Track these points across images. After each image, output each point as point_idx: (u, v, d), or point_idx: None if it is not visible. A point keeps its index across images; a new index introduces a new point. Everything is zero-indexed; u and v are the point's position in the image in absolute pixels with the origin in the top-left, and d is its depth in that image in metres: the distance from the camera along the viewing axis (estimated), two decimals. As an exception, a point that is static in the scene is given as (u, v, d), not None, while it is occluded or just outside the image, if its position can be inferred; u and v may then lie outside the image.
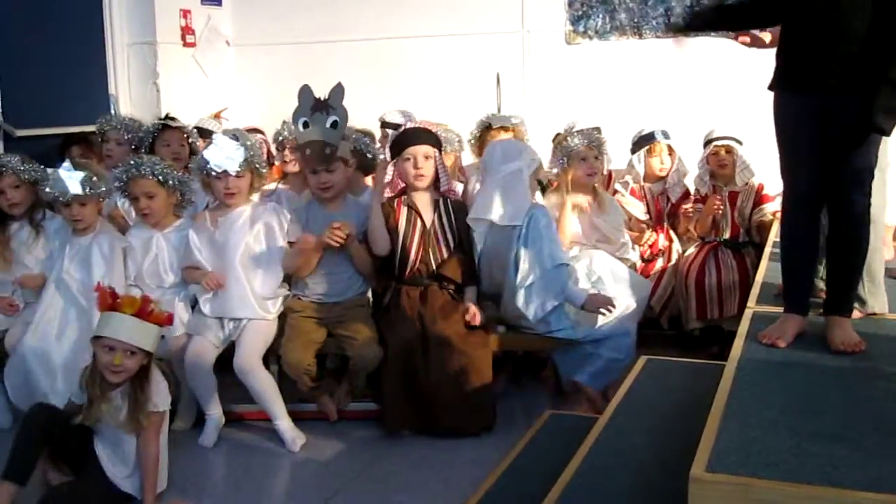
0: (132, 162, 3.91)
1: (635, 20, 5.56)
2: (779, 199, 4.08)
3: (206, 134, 4.86)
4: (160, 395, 3.17)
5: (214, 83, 6.09)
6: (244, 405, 3.86)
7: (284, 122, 4.42)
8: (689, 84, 5.40)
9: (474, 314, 3.80)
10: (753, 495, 1.93)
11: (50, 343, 3.70)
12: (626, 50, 5.59)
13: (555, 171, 4.33)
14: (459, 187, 4.35)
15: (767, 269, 3.73)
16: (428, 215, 3.91)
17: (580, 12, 5.63)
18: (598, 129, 4.55)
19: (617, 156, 4.74)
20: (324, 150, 3.78)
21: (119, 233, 4.01)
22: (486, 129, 4.78)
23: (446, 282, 3.89)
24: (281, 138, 4.50)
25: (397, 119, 5.06)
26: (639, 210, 4.76)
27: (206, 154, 3.84)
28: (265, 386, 3.70)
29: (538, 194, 4.19)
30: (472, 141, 4.75)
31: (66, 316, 3.77)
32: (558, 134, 4.87)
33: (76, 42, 5.42)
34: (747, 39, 3.36)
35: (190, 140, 4.67)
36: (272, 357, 3.84)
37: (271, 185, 4.40)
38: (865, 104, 2.68)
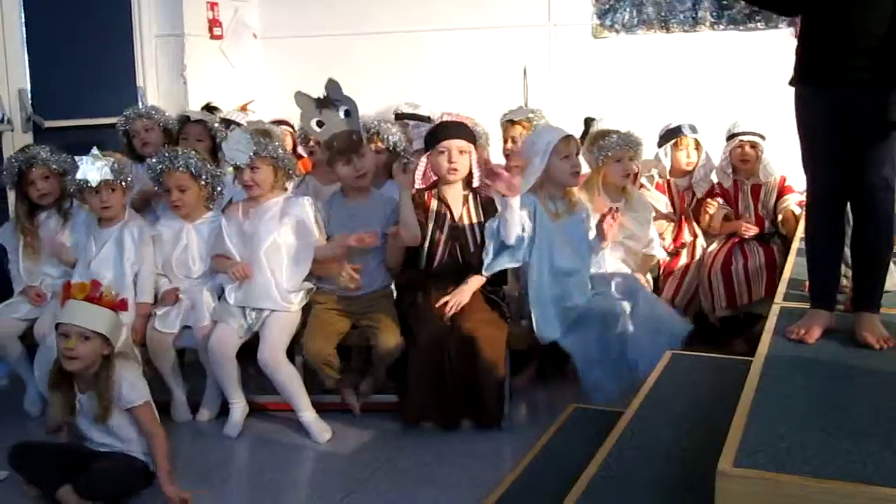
0: (166, 154, 3.94)
1: (662, 14, 5.53)
2: (802, 190, 4.07)
3: (229, 125, 4.90)
4: (134, 389, 3.18)
5: (241, 75, 6.10)
6: (268, 396, 3.88)
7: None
8: (715, 78, 5.36)
9: (444, 303, 3.72)
10: (781, 491, 1.91)
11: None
12: (652, 44, 5.56)
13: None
14: None
15: (795, 264, 3.70)
16: (457, 209, 3.89)
17: (607, 6, 5.61)
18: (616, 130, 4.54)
19: (643, 150, 4.72)
20: (350, 137, 3.81)
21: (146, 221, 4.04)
22: (507, 124, 4.82)
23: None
24: (305, 132, 4.50)
25: (409, 111, 5.11)
26: (661, 203, 4.74)
27: (223, 147, 3.88)
28: (290, 379, 3.72)
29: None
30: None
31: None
32: (591, 118, 4.86)
33: (104, 34, 5.44)
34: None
35: (213, 133, 4.68)
36: (297, 348, 3.85)
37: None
38: (886, 99, 2.67)
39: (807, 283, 3.14)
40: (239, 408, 3.79)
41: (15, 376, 4.10)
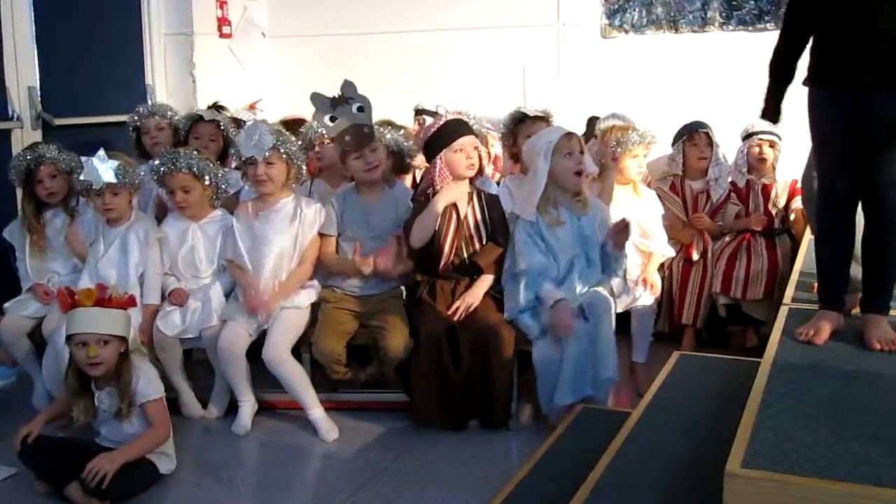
0: (168, 156, 3.94)
1: (672, 14, 5.52)
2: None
3: (242, 124, 4.88)
4: (150, 384, 3.20)
5: (250, 74, 6.11)
6: (276, 393, 3.88)
7: (309, 122, 4.43)
8: (724, 79, 5.35)
9: (455, 308, 3.72)
10: (789, 492, 1.91)
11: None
12: (662, 44, 5.55)
13: (597, 154, 4.28)
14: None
15: (803, 266, 3.70)
16: (463, 208, 3.87)
17: (616, 6, 5.60)
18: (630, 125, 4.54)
19: (652, 150, 4.71)
20: (362, 130, 3.82)
21: (155, 222, 4.04)
22: (519, 121, 4.79)
23: (478, 275, 3.87)
24: (309, 136, 4.47)
25: (430, 108, 5.10)
26: (676, 206, 4.74)
27: (237, 140, 3.87)
28: (295, 376, 3.72)
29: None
30: (506, 134, 4.73)
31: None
32: (595, 118, 4.86)
33: (114, 32, 5.45)
34: None
35: (224, 132, 4.67)
36: (304, 346, 3.86)
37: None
38: None
39: (815, 283, 3.14)
40: (248, 406, 3.80)
41: (23, 373, 4.10)
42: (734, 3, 5.39)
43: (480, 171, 3.94)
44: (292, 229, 3.87)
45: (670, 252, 4.40)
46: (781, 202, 4.72)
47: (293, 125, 4.73)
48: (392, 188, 4.12)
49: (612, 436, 2.78)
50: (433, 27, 5.91)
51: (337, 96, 3.83)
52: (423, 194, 3.89)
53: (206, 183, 3.95)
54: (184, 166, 3.88)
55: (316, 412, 3.71)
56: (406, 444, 3.59)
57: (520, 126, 4.50)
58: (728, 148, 4.86)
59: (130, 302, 3.22)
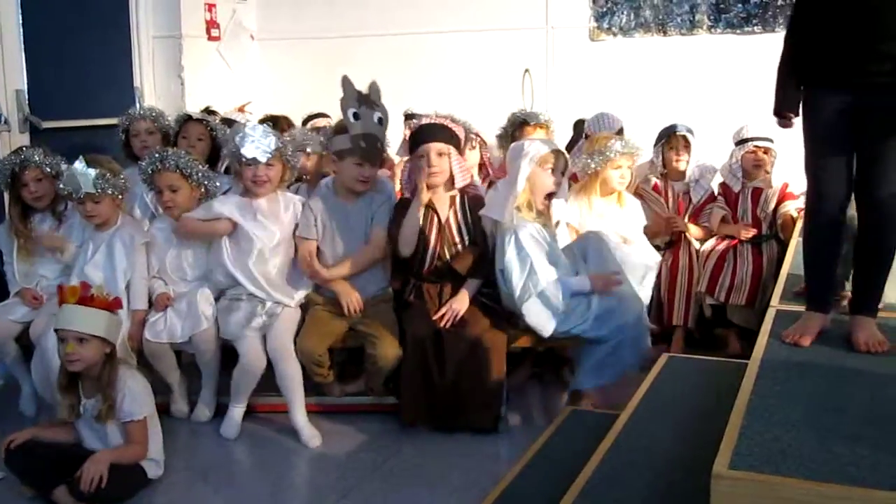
0: (156, 155, 3.93)
1: (660, 17, 5.55)
2: (802, 198, 4.07)
3: (231, 125, 4.86)
4: (135, 402, 3.17)
5: (239, 77, 6.11)
6: (261, 398, 3.86)
7: (297, 127, 4.42)
8: (712, 82, 5.37)
9: (442, 314, 3.71)
10: (776, 493, 1.92)
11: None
12: (650, 47, 5.57)
13: (582, 167, 4.27)
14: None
15: (791, 268, 3.71)
16: (444, 212, 3.86)
17: (605, 9, 5.62)
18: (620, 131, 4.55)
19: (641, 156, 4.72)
20: (376, 146, 3.81)
21: (142, 227, 4.04)
22: (520, 125, 4.79)
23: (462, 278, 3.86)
24: (299, 140, 4.43)
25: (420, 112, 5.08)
26: (658, 205, 4.76)
27: (238, 141, 3.81)
28: (294, 374, 3.70)
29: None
30: (504, 136, 4.73)
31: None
32: (582, 121, 4.87)
33: (102, 35, 5.44)
34: None
35: (213, 133, 4.66)
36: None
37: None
38: None
39: (803, 285, 3.14)
40: (239, 409, 3.78)
41: (10, 377, 4.09)
42: (722, 6, 5.42)
43: (452, 179, 3.85)
44: (279, 224, 3.88)
45: (653, 260, 4.37)
46: (770, 207, 4.69)
47: (275, 122, 4.74)
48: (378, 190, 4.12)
49: (601, 437, 2.78)
50: (422, 30, 5.92)
51: (365, 94, 3.81)
52: (401, 201, 3.92)
53: (194, 183, 3.94)
54: (172, 165, 3.88)
55: (300, 418, 3.69)
56: (395, 447, 3.59)
57: (520, 130, 4.50)
58: (716, 150, 4.86)
59: (115, 303, 3.20)
